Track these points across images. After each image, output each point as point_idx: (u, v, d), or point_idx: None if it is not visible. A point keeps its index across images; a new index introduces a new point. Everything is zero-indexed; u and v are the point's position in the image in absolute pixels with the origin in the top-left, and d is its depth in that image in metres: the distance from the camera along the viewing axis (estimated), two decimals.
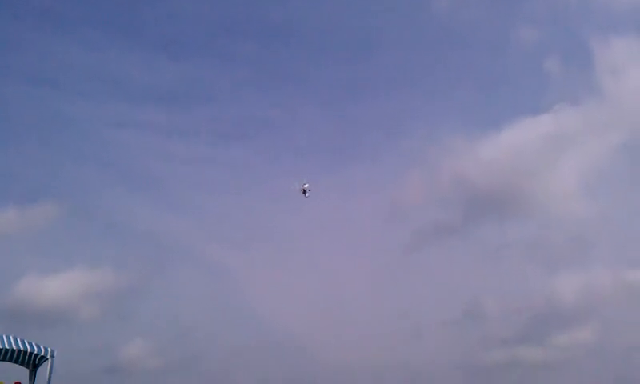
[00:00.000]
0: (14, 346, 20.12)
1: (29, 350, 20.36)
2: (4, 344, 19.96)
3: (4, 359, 21.33)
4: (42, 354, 20.33)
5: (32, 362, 21.70)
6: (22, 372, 22.11)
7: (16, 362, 21.69)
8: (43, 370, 20.76)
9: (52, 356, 20.02)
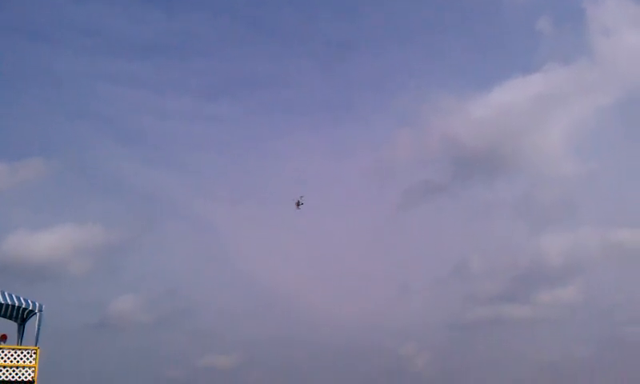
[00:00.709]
0: (2, 300, 19.97)
1: (17, 304, 20.22)
2: None
3: None
4: (30, 308, 20.20)
5: (20, 315, 21.58)
6: (10, 326, 22.02)
7: (4, 316, 21.58)
8: (32, 324, 20.65)
9: (40, 310, 19.88)
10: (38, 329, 19.60)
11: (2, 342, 19.71)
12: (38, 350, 19.19)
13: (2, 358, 18.67)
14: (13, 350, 19.24)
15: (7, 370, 18.64)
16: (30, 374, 18.85)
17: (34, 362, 18.98)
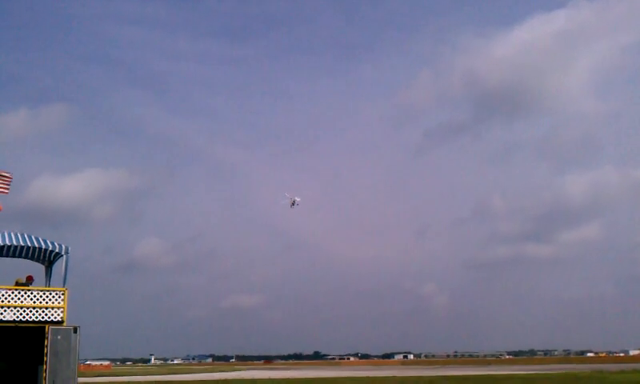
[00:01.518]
0: (29, 243, 20.19)
1: (44, 247, 20.44)
2: (19, 241, 20.02)
3: (20, 256, 21.52)
4: (57, 250, 20.41)
5: (47, 258, 21.87)
6: (38, 268, 22.34)
7: (32, 258, 21.89)
8: (58, 267, 20.91)
9: (67, 252, 20.08)
10: (65, 271, 19.83)
11: (29, 284, 19.98)
12: (66, 291, 19.44)
13: (32, 299, 18.94)
14: (42, 291, 19.51)
15: (37, 311, 18.93)
16: (59, 314, 19.15)
17: (62, 303, 19.25)
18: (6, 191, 21.63)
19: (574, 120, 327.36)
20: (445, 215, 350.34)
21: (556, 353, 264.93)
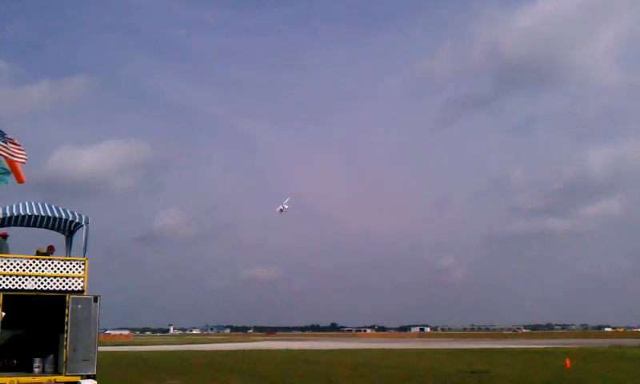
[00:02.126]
0: (49, 213, 20.30)
1: (64, 217, 20.54)
2: (39, 211, 20.13)
3: (40, 226, 21.68)
4: (77, 220, 20.50)
5: (67, 228, 22.02)
6: (58, 238, 22.52)
7: (52, 228, 22.04)
8: (79, 237, 21.05)
9: (87, 223, 20.17)
10: (86, 240, 19.93)
11: (49, 254, 20.15)
12: (86, 261, 19.58)
13: (52, 268, 19.11)
14: (62, 261, 19.65)
15: (57, 280, 19.11)
16: (79, 284, 19.31)
17: (82, 273, 19.40)
18: (24, 161, 21.76)
19: (597, 92, 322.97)
20: (464, 188, 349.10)
21: (573, 327, 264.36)
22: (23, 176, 22.33)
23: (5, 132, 21.45)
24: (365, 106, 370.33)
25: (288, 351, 56.45)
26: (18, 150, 21.28)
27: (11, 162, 21.75)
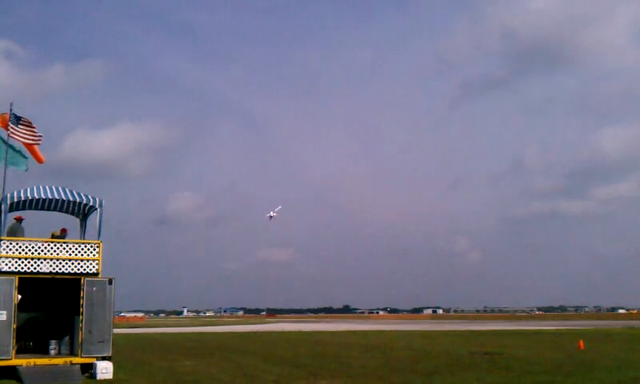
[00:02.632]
0: (64, 197, 20.43)
1: (78, 200, 20.67)
2: (54, 194, 20.27)
3: (54, 209, 21.84)
4: (91, 203, 20.63)
5: (82, 211, 22.16)
6: (73, 222, 22.68)
7: (66, 211, 22.20)
8: (93, 220, 21.18)
9: (100, 205, 20.29)
10: (100, 223, 20.06)
11: (63, 237, 20.28)
12: (101, 244, 19.72)
13: (67, 251, 19.26)
14: (77, 243, 19.80)
15: (72, 263, 19.26)
16: (94, 267, 19.46)
17: (97, 255, 19.55)
18: (39, 142, 21.87)
19: (613, 73, 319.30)
20: (479, 170, 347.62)
21: (587, 309, 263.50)
22: (42, 156, 22.47)
23: (20, 116, 21.57)
24: (380, 86, 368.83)
25: (301, 333, 56.72)
26: (32, 132, 21.39)
27: (28, 146, 21.91)
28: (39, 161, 22.59)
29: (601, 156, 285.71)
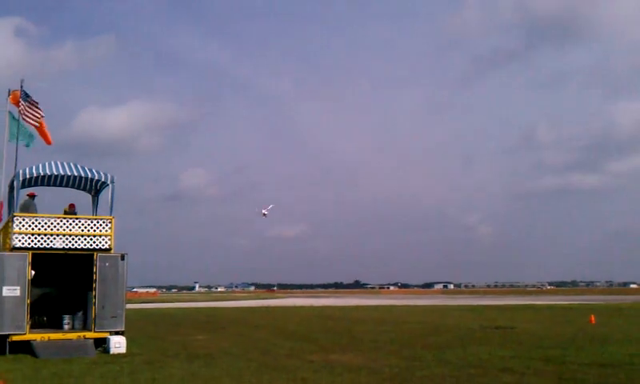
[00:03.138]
0: (75, 173, 20.52)
1: (89, 176, 20.76)
2: (65, 171, 20.35)
3: (66, 185, 21.94)
4: (103, 179, 20.72)
5: (93, 187, 22.26)
6: (85, 198, 22.79)
7: (78, 188, 22.31)
8: (105, 196, 21.29)
9: (112, 181, 20.37)
10: (112, 199, 20.16)
11: (72, 212, 20.38)
12: (113, 220, 19.81)
13: (80, 227, 19.37)
14: (89, 219, 19.91)
15: (85, 239, 19.37)
16: (106, 242, 19.57)
17: (109, 231, 19.65)
18: (41, 118, 21.97)
19: (628, 46, 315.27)
20: (491, 144, 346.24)
21: (598, 284, 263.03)
22: (51, 138, 22.56)
23: (28, 94, 21.63)
24: (390, 61, 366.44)
25: (312, 308, 57.01)
26: (36, 111, 21.47)
27: (36, 126, 22.03)
28: (47, 142, 22.70)
29: (614, 130, 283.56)
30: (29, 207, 20.13)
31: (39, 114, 21.75)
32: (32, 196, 20.72)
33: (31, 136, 22.39)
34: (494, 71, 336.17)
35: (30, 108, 21.52)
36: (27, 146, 22.44)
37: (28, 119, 21.60)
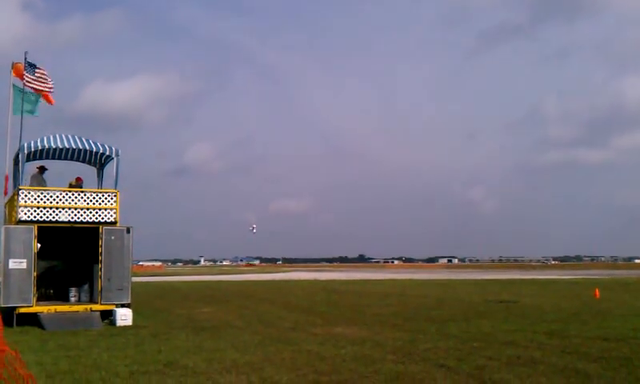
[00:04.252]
0: (80, 146, 20.52)
1: (94, 149, 20.77)
2: (70, 144, 20.35)
3: (71, 158, 21.95)
4: (108, 153, 20.71)
5: (98, 160, 22.27)
6: (90, 171, 22.81)
7: (83, 161, 22.32)
8: (110, 169, 21.28)
9: (117, 155, 20.37)
10: (117, 172, 20.17)
11: (79, 185, 20.43)
12: (118, 193, 19.84)
13: (85, 200, 19.42)
14: (95, 193, 19.96)
15: (90, 212, 19.43)
16: (112, 216, 19.63)
17: (115, 204, 19.69)
18: (51, 90, 21.91)
19: (636, 21, 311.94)
20: (496, 119, 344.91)
21: (603, 259, 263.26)
22: (52, 99, 22.50)
23: (34, 64, 21.54)
24: (396, 36, 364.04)
25: (316, 282, 57.28)
26: (44, 81, 21.40)
27: (40, 92, 21.97)
28: (49, 102, 22.60)
29: (620, 105, 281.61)
30: (40, 183, 20.20)
31: (49, 83, 21.66)
32: (42, 169, 20.75)
33: (36, 101, 22.27)
34: (500, 46, 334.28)
35: (41, 78, 21.45)
36: (32, 113, 22.34)
37: (37, 86, 21.52)
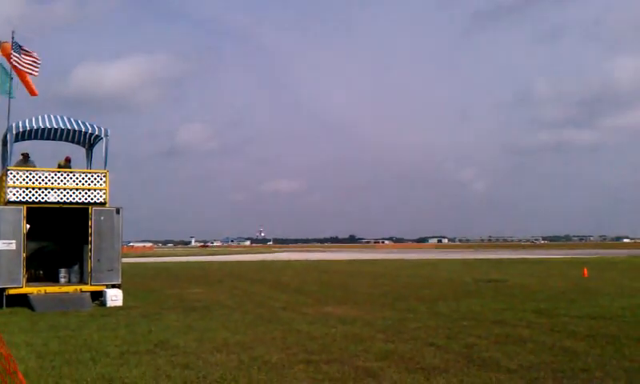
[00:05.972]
0: (69, 126, 20.37)
1: (83, 130, 20.62)
2: (59, 124, 20.19)
3: (60, 139, 21.81)
4: (97, 133, 20.59)
5: (87, 141, 22.13)
6: (79, 151, 22.68)
7: (72, 141, 22.17)
8: (99, 149, 21.17)
9: (106, 135, 20.23)
10: (106, 153, 20.04)
11: (68, 165, 20.30)
12: (107, 173, 19.75)
13: (74, 181, 19.31)
14: (84, 173, 19.84)
15: (80, 192, 19.34)
16: (101, 196, 19.55)
17: (104, 185, 19.61)
18: (36, 74, 21.67)
19: (627, 2, 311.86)
20: (487, 99, 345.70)
21: (592, 239, 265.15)
22: (35, 89, 22.26)
23: (22, 44, 21.30)
24: (390, 16, 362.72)
25: (307, 262, 57.42)
26: (31, 62, 21.16)
27: (23, 75, 21.68)
28: (32, 93, 22.36)
29: (612, 85, 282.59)
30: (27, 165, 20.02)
31: (36, 62, 21.40)
32: (26, 156, 20.52)
33: (9, 81, 21.85)
34: (494, 25, 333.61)
35: (27, 57, 21.19)
36: (10, 95, 21.98)
37: (24, 68, 21.27)
